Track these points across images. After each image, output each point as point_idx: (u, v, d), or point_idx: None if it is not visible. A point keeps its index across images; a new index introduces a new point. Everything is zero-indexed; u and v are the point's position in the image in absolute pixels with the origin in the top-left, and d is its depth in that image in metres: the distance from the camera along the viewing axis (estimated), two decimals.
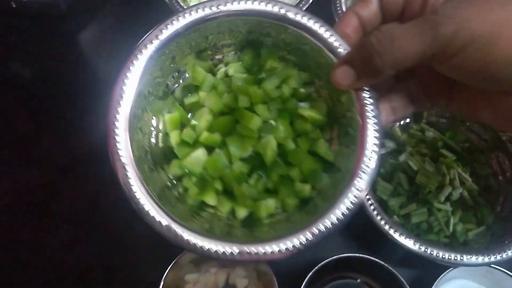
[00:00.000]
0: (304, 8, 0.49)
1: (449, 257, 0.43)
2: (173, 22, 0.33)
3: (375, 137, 0.31)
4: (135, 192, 0.31)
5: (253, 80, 0.37)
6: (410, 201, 0.49)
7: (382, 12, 0.32)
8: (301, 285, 0.42)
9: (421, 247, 0.43)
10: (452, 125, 0.55)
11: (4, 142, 0.57)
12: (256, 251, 0.29)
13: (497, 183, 0.52)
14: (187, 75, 0.38)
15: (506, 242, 0.45)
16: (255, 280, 0.46)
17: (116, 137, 0.32)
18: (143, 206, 0.31)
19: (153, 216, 0.31)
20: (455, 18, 0.25)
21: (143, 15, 0.64)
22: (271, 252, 0.29)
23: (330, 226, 0.29)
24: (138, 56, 0.33)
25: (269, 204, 0.35)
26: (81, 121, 0.58)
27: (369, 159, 0.31)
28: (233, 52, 0.39)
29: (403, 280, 0.43)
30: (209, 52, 0.38)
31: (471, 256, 0.43)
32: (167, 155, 0.36)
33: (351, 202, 0.30)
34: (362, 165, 0.31)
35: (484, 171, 0.52)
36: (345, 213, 0.30)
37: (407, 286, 0.43)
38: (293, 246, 0.29)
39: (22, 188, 0.54)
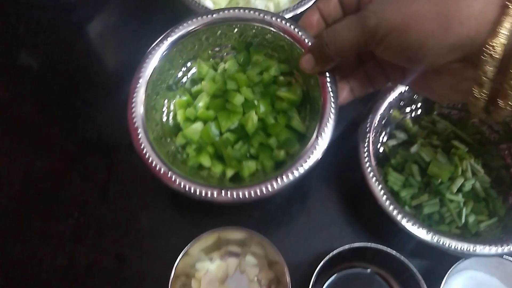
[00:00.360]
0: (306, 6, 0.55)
1: (462, 248, 0.42)
2: (184, 24, 0.46)
3: (332, 108, 0.41)
4: (149, 155, 0.41)
5: (241, 70, 0.48)
6: (422, 192, 0.49)
7: (342, 7, 0.39)
8: (312, 274, 0.42)
9: (433, 237, 0.43)
10: (463, 117, 0.54)
11: (13, 131, 0.57)
12: (234, 193, 0.39)
13: (509, 175, 0.51)
14: (195, 70, 0.50)
15: None
16: (266, 269, 0.46)
17: (134, 112, 0.43)
18: (155, 164, 0.41)
19: (163, 171, 0.40)
20: (377, 13, 0.31)
21: (152, 7, 0.63)
22: (248, 194, 0.38)
23: (292, 176, 0.39)
24: (154, 51, 0.45)
25: (251, 165, 0.45)
26: (91, 111, 0.58)
27: (327, 126, 0.40)
28: (231, 53, 0.51)
29: (415, 270, 0.43)
30: (210, 52, 0.50)
31: (483, 246, 0.43)
32: (174, 130, 0.48)
33: (308, 157, 0.39)
34: (321, 131, 0.40)
35: (495, 163, 0.51)
36: (303, 165, 0.39)
37: (420, 276, 0.43)
38: (265, 189, 0.38)
39: (32, 177, 0.55)
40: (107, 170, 0.54)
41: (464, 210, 0.48)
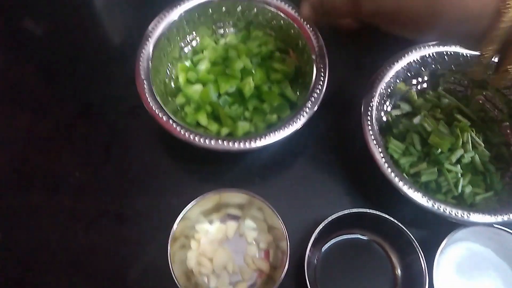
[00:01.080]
0: None
1: (457, 214, 0.42)
2: None
3: (321, 80, 0.47)
4: (156, 109, 0.46)
5: (242, 42, 0.54)
6: (421, 161, 0.49)
7: None
8: (310, 239, 0.42)
9: (429, 201, 0.43)
10: (468, 94, 0.54)
11: (15, 92, 0.58)
12: (230, 143, 0.44)
13: (509, 152, 0.51)
14: (197, 42, 0.55)
15: None
16: (265, 233, 0.46)
17: (141, 65, 0.47)
18: (167, 121, 0.45)
19: (176, 127, 0.45)
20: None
21: None
22: (242, 144, 0.43)
23: (282, 133, 0.44)
24: (164, 16, 0.51)
25: (244, 125, 0.49)
26: (95, 74, 0.59)
27: (316, 95, 0.46)
28: (232, 30, 0.56)
29: (412, 237, 0.43)
30: (214, 27, 0.55)
31: (478, 214, 0.43)
32: (175, 91, 0.52)
33: (298, 120, 0.45)
34: (310, 99, 0.46)
35: (497, 139, 0.51)
36: (292, 126, 0.44)
37: (417, 244, 0.43)
38: (256, 142, 0.43)
39: (34, 137, 0.55)
40: (109, 132, 0.55)
41: (461, 180, 0.48)
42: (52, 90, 0.58)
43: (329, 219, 0.43)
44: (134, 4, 0.64)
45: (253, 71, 0.51)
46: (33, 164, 0.53)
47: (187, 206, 0.43)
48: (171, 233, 0.42)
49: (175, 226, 0.42)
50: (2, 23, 0.64)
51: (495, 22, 0.28)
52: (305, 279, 0.41)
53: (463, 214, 0.43)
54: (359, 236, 0.48)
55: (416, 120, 0.51)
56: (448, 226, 0.44)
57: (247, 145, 0.43)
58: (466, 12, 0.28)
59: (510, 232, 0.45)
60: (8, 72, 0.59)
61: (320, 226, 0.43)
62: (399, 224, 0.44)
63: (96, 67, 0.59)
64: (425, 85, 0.55)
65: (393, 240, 0.46)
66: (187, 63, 0.54)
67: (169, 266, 0.41)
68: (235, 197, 0.45)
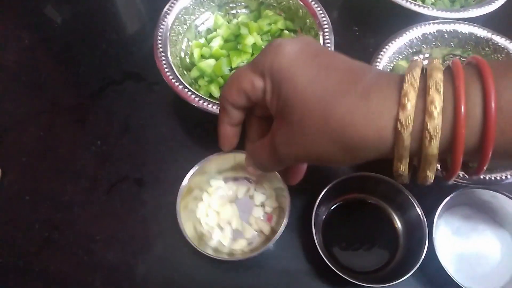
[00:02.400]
0: None
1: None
2: None
3: None
4: (173, 79, 0.49)
5: (253, 21, 0.57)
6: None
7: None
8: (316, 201, 0.45)
9: None
10: None
11: (40, 68, 0.63)
12: None
13: None
14: (211, 22, 0.59)
15: None
16: (273, 199, 0.49)
17: (160, 43, 0.52)
18: (182, 89, 0.49)
19: (190, 95, 0.49)
20: (286, 149, 0.34)
21: None
22: None
23: None
24: None
25: None
26: (115, 51, 0.63)
27: None
28: (244, 10, 0.60)
29: (410, 193, 0.46)
30: (227, 8, 0.59)
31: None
32: (190, 66, 0.56)
33: None
34: None
35: None
36: None
37: (414, 199, 0.46)
38: None
39: (58, 109, 0.59)
40: (128, 106, 0.58)
41: None
42: (74, 68, 0.62)
43: (335, 181, 0.46)
44: None
45: (263, 47, 0.54)
46: (58, 134, 0.57)
47: (202, 160, 0.46)
48: (183, 182, 0.46)
49: (188, 175, 0.46)
50: (28, 10, 0.68)
51: (396, 141, 0.29)
52: (313, 237, 0.44)
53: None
54: (361, 197, 0.50)
55: None
56: (445, 191, 0.47)
57: None
58: (368, 143, 0.29)
59: (505, 195, 0.47)
60: (34, 52, 0.64)
61: (326, 189, 0.46)
62: (403, 189, 0.46)
63: (116, 47, 0.63)
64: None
65: (393, 199, 0.49)
66: (202, 41, 0.58)
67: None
68: None
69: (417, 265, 0.43)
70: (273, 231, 0.46)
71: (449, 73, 0.29)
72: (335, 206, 0.50)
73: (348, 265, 0.47)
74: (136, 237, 0.50)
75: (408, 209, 0.47)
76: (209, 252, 0.44)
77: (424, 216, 0.46)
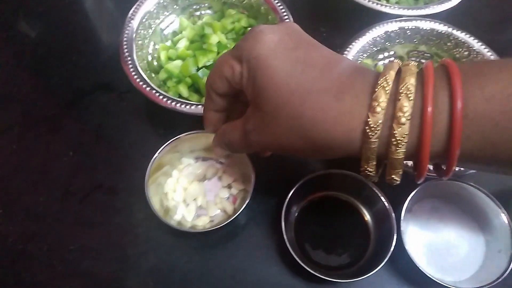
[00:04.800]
0: None
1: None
2: None
3: None
4: (141, 82, 0.51)
5: (217, 20, 0.59)
6: None
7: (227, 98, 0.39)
8: (284, 203, 0.46)
9: None
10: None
11: (12, 80, 0.63)
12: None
13: None
14: (177, 24, 0.61)
15: None
16: (240, 183, 0.51)
17: (125, 48, 0.53)
18: (150, 91, 0.50)
19: (158, 96, 0.50)
20: (257, 137, 0.34)
21: None
22: None
23: None
24: (141, 2, 0.57)
25: None
26: (86, 62, 0.63)
27: None
28: (208, 11, 0.62)
29: (374, 187, 0.47)
30: (190, 10, 0.61)
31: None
32: (157, 68, 0.57)
33: None
34: None
35: None
36: None
37: (379, 192, 0.47)
38: None
39: (30, 121, 0.59)
40: (100, 115, 0.59)
41: None
42: (45, 81, 0.63)
43: (301, 181, 0.47)
44: None
45: (228, 46, 0.56)
46: (30, 146, 0.57)
47: (173, 139, 0.48)
48: (154, 157, 0.48)
49: (159, 151, 0.48)
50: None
51: (364, 144, 0.29)
52: (283, 234, 0.44)
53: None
54: (331, 194, 0.51)
55: None
56: (414, 184, 0.47)
57: None
58: (337, 143, 0.30)
59: (472, 186, 0.48)
60: (5, 67, 0.64)
61: (294, 188, 0.47)
62: (373, 187, 0.47)
63: (87, 58, 0.64)
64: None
65: (360, 194, 0.50)
66: (168, 43, 0.59)
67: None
68: None
69: (386, 259, 0.44)
70: (236, 211, 0.47)
71: (421, 77, 0.29)
72: (305, 204, 0.50)
73: (322, 262, 0.48)
74: (111, 244, 0.50)
75: (376, 203, 0.48)
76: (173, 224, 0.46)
77: (391, 209, 0.46)
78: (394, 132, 0.28)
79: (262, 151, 0.41)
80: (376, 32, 0.55)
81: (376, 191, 0.47)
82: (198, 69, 0.55)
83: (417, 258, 0.46)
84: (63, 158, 0.56)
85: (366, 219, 0.50)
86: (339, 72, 0.31)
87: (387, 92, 0.28)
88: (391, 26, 0.55)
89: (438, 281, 0.44)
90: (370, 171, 0.32)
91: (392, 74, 0.29)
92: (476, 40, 0.54)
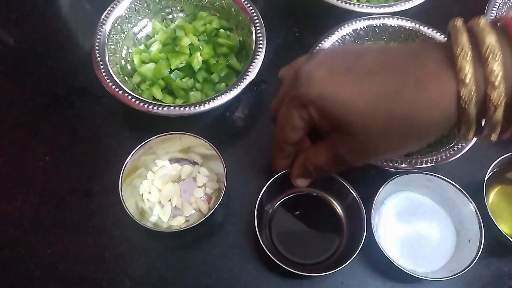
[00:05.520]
0: None
1: (394, 163, 0.47)
2: None
3: (259, 49, 0.53)
4: (113, 86, 0.51)
5: (189, 22, 0.60)
6: None
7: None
8: (256, 203, 0.47)
9: None
10: None
11: None
12: (183, 108, 0.49)
13: None
14: (149, 28, 0.61)
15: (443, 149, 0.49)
16: (214, 182, 0.52)
17: (97, 53, 0.53)
18: (123, 94, 0.51)
19: (131, 99, 0.50)
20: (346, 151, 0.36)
21: None
22: (193, 107, 0.49)
23: (228, 96, 0.50)
24: (114, 6, 0.57)
25: (196, 95, 0.55)
26: (61, 68, 0.63)
27: (254, 61, 0.52)
28: (181, 14, 0.62)
29: (343, 181, 0.48)
30: (163, 13, 0.61)
31: (409, 160, 0.48)
32: (131, 72, 0.58)
33: (241, 82, 0.50)
34: (250, 65, 0.52)
35: None
36: (238, 87, 0.50)
37: (349, 185, 0.48)
38: (207, 104, 0.49)
39: (5, 128, 0.59)
40: (76, 119, 0.59)
41: None
42: (21, 87, 0.62)
43: (271, 180, 0.47)
44: (93, 1, 0.70)
45: (200, 47, 0.56)
46: (5, 151, 0.57)
47: (146, 140, 0.49)
48: (127, 160, 0.48)
49: (132, 152, 0.48)
50: None
51: (461, 116, 0.29)
52: (256, 231, 0.45)
53: (399, 161, 0.48)
54: (303, 191, 0.52)
55: None
56: (383, 178, 0.48)
57: (197, 108, 0.49)
58: (436, 126, 0.31)
59: (442, 178, 0.49)
60: None
61: (264, 188, 0.47)
62: (344, 181, 0.48)
63: (62, 64, 0.64)
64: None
65: (331, 188, 0.50)
66: (141, 47, 0.59)
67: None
68: (198, 145, 0.51)
69: (357, 252, 0.45)
70: (210, 211, 0.47)
71: (499, 34, 0.28)
72: (279, 201, 0.51)
73: (297, 257, 0.48)
74: (88, 247, 0.51)
75: (347, 196, 0.48)
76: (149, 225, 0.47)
77: (361, 202, 0.47)
78: (490, 96, 0.28)
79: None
80: (345, 30, 0.56)
81: (347, 185, 0.48)
82: (171, 71, 0.56)
83: (390, 250, 0.47)
84: (39, 162, 0.56)
85: (339, 213, 0.51)
86: (401, 64, 0.31)
87: (468, 59, 0.28)
88: (360, 24, 0.56)
89: (409, 273, 0.45)
90: (469, 138, 0.32)
91: (464, 40, 0.28)
92: (443, 36, 0.55)
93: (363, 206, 0.47)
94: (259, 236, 0.45)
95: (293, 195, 0.52)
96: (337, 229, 0.50)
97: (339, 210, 0.51)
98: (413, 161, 0.47)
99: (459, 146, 0.48)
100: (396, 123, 0.31)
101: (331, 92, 0.33)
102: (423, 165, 0.48)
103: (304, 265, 0.48)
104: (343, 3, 0.58)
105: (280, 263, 0.44)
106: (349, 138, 0.34)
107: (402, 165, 0.48)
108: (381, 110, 0.31)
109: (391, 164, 0.47)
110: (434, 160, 0.48)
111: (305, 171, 0.42)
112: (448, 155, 0.48)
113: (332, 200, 0.51)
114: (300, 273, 0.44)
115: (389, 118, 0.31)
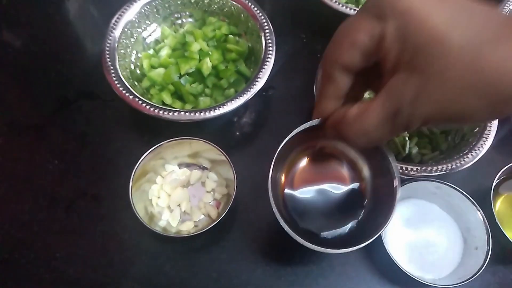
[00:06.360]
0: None
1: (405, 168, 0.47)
2: None
3: (269, 56, 0.54)
4: (123, 90, 0.51)
5: (198, 28, 0.60)
6: None
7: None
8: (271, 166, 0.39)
9: None
10: None
11: None
12: (192, 113, 0.50)
13: None
14: (159, 33, 0.61)
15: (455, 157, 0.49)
16: (223, 187, 0.52)
17: (108, 57, 0.53)
18: (133, 99, 0.51)
19: (141, 103, 0.50)
20: (413, 106, 0.28)
21: None
22: (202, 113, 0.50)
23: (237, 102, 0.50)
24: (128, 7, 0.58)
25: (205, 100, 0.55)
26: (70, 72, 0.63)
27: (264, 67, 0.53)
28: (190, 19, 0.63)
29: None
30: (172, 19, 0.62)
31: (423, 167, 0.48)
32: (140, 77, 0.58)
33: (250, 89, 0.51)
34: (260, 71, 0.52)
35: None
36: (247, 93, 0.51)
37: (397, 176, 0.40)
38: (216, 110, 0.50)
39: (15, 131, 0.59)
40: (85, 123, 0.59)
41: (408, 142, 0.53)
42: (30, 90, 0.63)
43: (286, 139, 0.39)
44: (100, 5, 0.71)
45: (210, 53, 0.57)
46: (15, 155, 0.57)
47: (156, 145, 0.49)
48: (137, 164, 0.48)
49: (142, 158, 0.48)
50: None
51: None
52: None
53: (409, 167, 0.48)
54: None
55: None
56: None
57: (207, 114, 0.50)
58: None
59: (450, 186, 0.49)
60: None
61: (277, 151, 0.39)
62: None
63: (70, 67, 0.64)
64: None
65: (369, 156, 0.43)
66: (151, 52, 0.59)
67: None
68: (207, 150, 0.51)
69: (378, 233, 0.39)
70: (220, 216, 0.48)
71: None
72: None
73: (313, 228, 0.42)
74: (97, 251, 0.51)
75: (383, 171, 0.41)
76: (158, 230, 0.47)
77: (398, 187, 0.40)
78: None
79: (412, 129, 0.30)
80: None
81: (390, 159, 0.39)
82: (181, 76, 0.56)
83: (398, 257, 0.48)
84: (48, 166, 0.56)
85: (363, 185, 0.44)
86: (503, 16, 0.27)
87: None
88: None
89: (417, 279, 0.45)
90: None
91: None
92: None
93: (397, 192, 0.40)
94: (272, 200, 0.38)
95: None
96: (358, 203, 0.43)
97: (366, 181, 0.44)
98: (428, 169, 0.48)
99: (473, 154, 0.49)
100: (481, 77, 0.26)
101: (423, 10, 0.27)
102: (437, 173, 0.48)
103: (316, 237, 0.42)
104: (350, 10, 0.58)
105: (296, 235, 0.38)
106: (419, 81, 0.27)
107: (416, 173, 0.48)
108: (471, 54, 0.25)
109: (406, 171, 0.47)
110: (449, 168, 0.48)
111: (353, 135, 0.32)
112: (462, 162, 0.48)
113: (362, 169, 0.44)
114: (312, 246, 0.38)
115: (476, 67, 0.26)
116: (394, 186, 0.39)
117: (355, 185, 0.43)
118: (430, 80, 0.26)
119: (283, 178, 0.43)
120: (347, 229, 0.42)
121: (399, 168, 0.47)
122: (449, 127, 0.54)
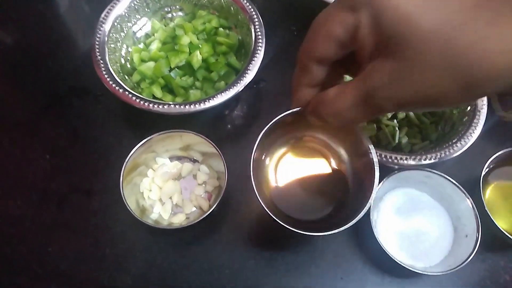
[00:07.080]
0: None
1: (394, 158, 0.47)
2: None
3: (259, 48, 0.54)
4: (113, 84, 0.51)
5: (188, 21, 0.60)
6: None
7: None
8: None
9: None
10: None
11: None
12: (182, 106, 0.50)
13: None
14: (149, 27, 0.61)
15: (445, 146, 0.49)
16: (214, 179, 0.53)
17: (97, 52, 0.53)
18: (123, 92, 0.51)
19: (132, 97, 0.50)
20: (387, 92, 0.29)
21: None
22: (193, 105, 0.49)
23: (227, 94, 0.50)
24: (113, 5, 0.57)
25: (196, 93, 0.56)
26: (61, 67, 0.63)
27: (254, 60, 0.52)
28: (180, 13, 0.63)
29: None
30: (162, 12, 0.62)
31: (413, 156, 0.48)
32: (131, 71, 0.58)
33: (240, 81, 0.51)
34: (250, 64, 0.52)
35: None
36: (237, 85, 0.51)
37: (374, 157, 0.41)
38: (206, 102, 0.49)
39: (5, 127, 0.59)
40: (76, 118, 0.59)
41: (398, 132, 0.53)
42: (21, 87, 0.63)
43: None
44: (91, 0, 0.71)
45: (200, 46, 0.57)
46: (7, 151, 0.57)
47: (147, 138, 0.49)
48: (127, 158, 0.48)
49: (133, 150, 0.48)
50: None
51: None
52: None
53: (399, 157, 0.48)
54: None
55: None
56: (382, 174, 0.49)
57: (197, 106, 0.49)
58: (502, 73, 0.25)
59: (440, 175, 0.50)
60: None
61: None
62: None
63: (61, 63, 0.64)
64: None
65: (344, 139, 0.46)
66: (141, 46, 0.59)
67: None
68: (198, 143, 0.51)
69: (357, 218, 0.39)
70: (211, 208, 0.48)
71: None
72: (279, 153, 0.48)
73: (297, 214, 0.45)
74: (89, 245, 0.51)
75: (361, 154, 0.42)
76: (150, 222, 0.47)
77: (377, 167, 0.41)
78: None
79: (385, 113, 0.31)
80: None
81: (366, 142, 0.41)
82: (171, 69, 0.56)
83: (389, 246, 0.48)
84: (40, 161, 0.56)
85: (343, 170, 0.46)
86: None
87: None
88: None
89: (408, 268, 0.45)
90: None
91: None
92: None
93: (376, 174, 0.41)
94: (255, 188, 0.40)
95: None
96: (342, 186, 0.46)
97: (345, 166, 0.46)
98: (418, 158, 0.48)
99: (462, 142, 0.49)
100: (454, 59, 0.26)
101: None
102: (427, 161, 0.48)
103: (303, 222, 0.44)
104: None
105: (279, 221, 0.39)
106: (393, 66, 0.27)
107: (406, 162, 0.48)
108: (444, 36, 0.26)
109: (396, 161, 0.47)
110: (438, 156, 0.48)
111: (326, 115, 0.33)
112: (451, 151, 0.48)
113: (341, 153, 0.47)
114: (296, 230, 0.39)
115: (448, 50, 0.26)
116: (373, 165, 0.40)
117: (337, 170, 0.47)
118: (403, 64, 0.27)
119: (269, 164, 0.48)
120: (332, 212, 0.45)
121: (388, 157, 0.47)
122: (425, 111, 0.54)
